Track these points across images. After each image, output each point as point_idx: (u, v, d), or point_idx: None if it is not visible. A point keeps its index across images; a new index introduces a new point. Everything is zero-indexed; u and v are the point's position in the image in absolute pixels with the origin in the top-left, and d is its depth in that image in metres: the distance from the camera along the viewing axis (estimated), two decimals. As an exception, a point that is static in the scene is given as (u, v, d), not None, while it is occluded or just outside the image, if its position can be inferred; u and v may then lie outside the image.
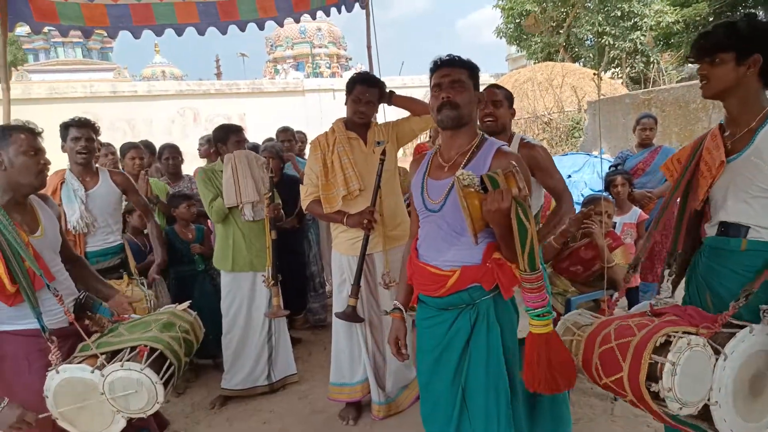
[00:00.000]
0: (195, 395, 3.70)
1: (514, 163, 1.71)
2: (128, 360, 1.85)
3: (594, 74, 13.75)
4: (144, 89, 15.75)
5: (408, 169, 3.00)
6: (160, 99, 15.38)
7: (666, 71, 16.19)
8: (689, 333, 1.58)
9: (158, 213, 3.98)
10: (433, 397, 1.96)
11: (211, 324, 3.25)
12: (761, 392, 1.60)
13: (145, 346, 1.90)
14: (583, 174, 9.06)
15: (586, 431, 2.87)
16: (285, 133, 4.80)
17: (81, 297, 2.12)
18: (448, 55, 1.89)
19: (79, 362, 1.87)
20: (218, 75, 33.93)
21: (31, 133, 1.97)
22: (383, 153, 3.00)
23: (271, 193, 3.43)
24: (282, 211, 3.59)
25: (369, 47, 5.49)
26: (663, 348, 1.56)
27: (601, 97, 12.55)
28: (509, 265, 1.78)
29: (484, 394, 1.85)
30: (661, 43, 17.40)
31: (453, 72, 1.84)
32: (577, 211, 3.36)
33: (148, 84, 16.95)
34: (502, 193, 1.60)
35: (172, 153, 4.35)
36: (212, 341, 3.84)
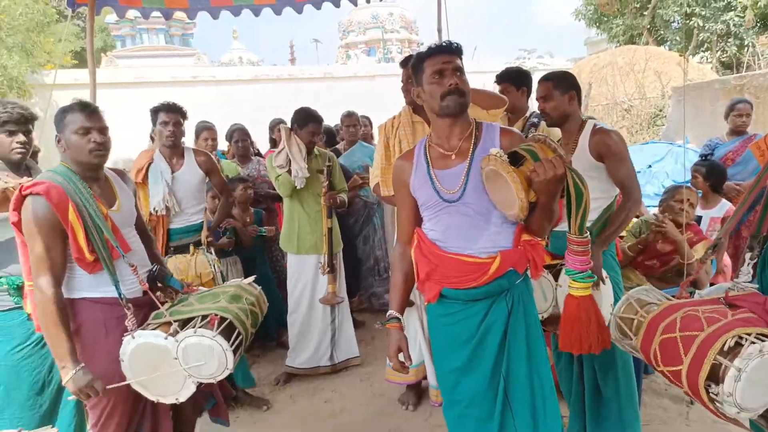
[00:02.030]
0: (261, 371, 3.82)
1: (542, 134, 1.67)
2: (200, 327, 1.93)
3: (680, 55, 12.93)
4: (221, 74, 16.30)
5: None
6: (236, 84, 15.85)
7: (762, 55, 14.97)
8: (764, 336, 1.46)
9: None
10: (466, 396, 1.85)
11: (270, 307, 3.35)
12: None
13: (216, 315, 1.98)
14: (665, 164, 8.58)
15: (657, 433, 2.73)
16: (349, 117, 4.81)
17: (154, 269, 2.21)
18: (446, 42, 1.83)
19: (153, 329, 1.97)
20: (292, 61, 34.57)
21: (82, 112, 1.99)
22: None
23: (328, 182, 3.49)
24: (339, 198, 3.62)
25: (439, 30, 5.40)
26: (732, 348, 1.46)
27: (688, 82, 11.79)
28: (541, 245, 1.78)
29: (527, 383, 1.79)
30: (758, 24, 16.08)
31: (453, 59, 1.79)
32: (657, 202, 3.18)
33: (225, 69, 17.55)
34: (552, 160, 1.55)
35: (242, 136, 4.47)
36: (272, 323, 3.97)
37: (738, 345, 1.45)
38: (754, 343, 1.41)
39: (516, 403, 1.79)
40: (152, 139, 4.66)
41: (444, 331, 1.89)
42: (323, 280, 3.64)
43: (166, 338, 1.92)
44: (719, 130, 4.61)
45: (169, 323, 1.98)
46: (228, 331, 1.97)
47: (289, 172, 3.48)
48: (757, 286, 1.71)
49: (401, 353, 1.89)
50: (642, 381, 2.92)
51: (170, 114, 3.00)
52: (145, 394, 1.98)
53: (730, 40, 16.13)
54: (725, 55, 16.36)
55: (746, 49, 15.41)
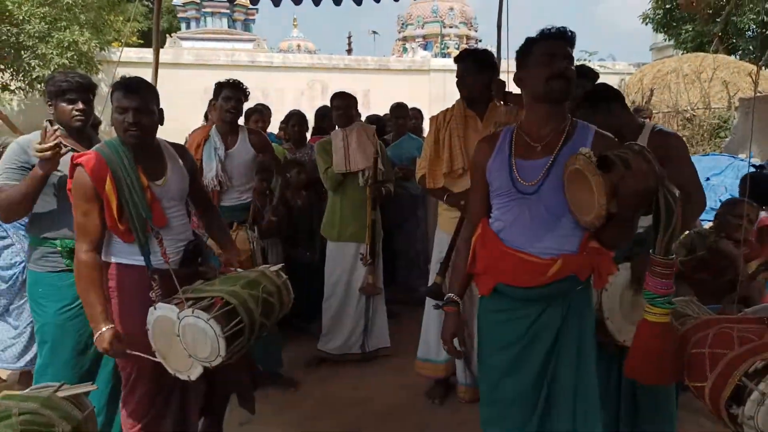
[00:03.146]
0: (293, 352, 3.86)
1: (640, 144, 1.58)
2: (203, 309, 1.90)
3: (756, 64, 12.29)
4: (279, 61, 16.57)
5: None
6: (292, 71, 16.10)
7: None
8: None
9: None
10: (507, 397, 1.81)
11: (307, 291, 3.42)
12: None
13: (222, 298, 1.95)
14: (724, 178, 8.20)
15: (692, 453, 2.63)
16: (399, 109, 4.81)
17: (190, 244, 2.22)
18: (560, 27, 1.75)
19: (175, 304, 1.98)
20: (349, 51, 34.78)
21: (121, 90, 2.01)
22: (494, 135, 2.91)
23: (374, 172, 3.51)
24: (384, 189, 3.63)
25: (499, 27, 5.32)
26: (759, 371, 1.41)
27: (758, 93, 11.20)
28: (609, 254, 1.69)
29: (572, 395, 1.74)
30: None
31: (565, 45, 1.72)
32: (712, 216, 3.05)
33: (283, 56, 17.81)
34: (644, 171, 1.47)
35: (299, 121, 4.54)
36: (306, 307, 4.01)
37: (767, 369, 1.40)
38: None
39: (557, 412, 1.75)
40: (206, 118, 4.79)
41: (493, 328, 1.85)
42: (360, 269, 3.66)
43: (178, 315, 1.91)
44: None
45: (187, 299, 1.97)
46: (229, 317, 1.92)
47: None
48: None
49: (455, 338, 1.89)
50: (679, 396, 2.81)
51: (234, 90, 3.09)
52: (165, 366, 2.01)
53: (809, 52, 15.21)
54: (803, 68, 15.45)
55: (826, 62, 14.51)
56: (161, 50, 4.75)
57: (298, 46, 29.30)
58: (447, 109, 3.13)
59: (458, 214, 2.96)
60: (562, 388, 1.75)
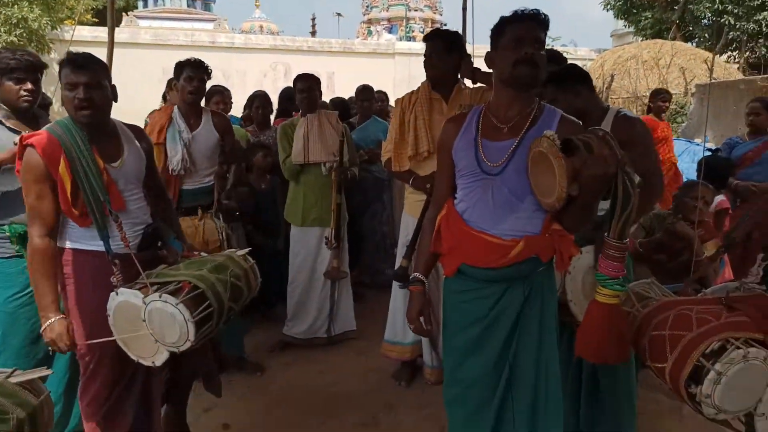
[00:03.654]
0: (258, 337, 3.83)
1: (603, 129, 1.59)
2: (170, 293, 1.86)
3: (710, 52, 12.65)
4: (240, 42, 16.20)
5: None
6: (254, 52, 15.76)
7: (793, 58, 14.63)
8: (753, 341, 1.45)
9: (237, 160, 4.09)
10: (468, 376, 1.83)
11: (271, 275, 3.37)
12: None
13: (189, 282, 1.92)
14: (681, 162, 8.43)
15: (651, 428, 2.72)
16: (364, 92, 4.76)
17: (149, 228, 2.16)
18: (534, 10, 1.72)
19: (138, 289, 1.93)
20: (313, 33, 34.33)
21: (69, 66, 1.92)
22: (461, 118, 2.90)
23: (339, 157, 3.45)
24: (350, 173, 3.61)
25: (464, 9, 5.29)
26: (716, 352, 1.46)
27: (713, 80, 11.54)
28: (570, 236, 1.71)
29: (534, 374, 1.76)
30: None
31: (536, 29, 1.70)
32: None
33: (245, 37, 17.43)
34: (605, 157, 1.49)
35: (263, 102, 4.44)
36: (275, 292, 3.97)
37: (723, 348, 1.44)
38: (739, 348, 1.41)
39: (518, 391, 1.77)
40: (164, 99, 4.64)
41: (457, 308, 1.86)
42: (325, 253, 3.64)
43: (143, 300, 1.87)
44: (741, 130, 4.51)
45: (152, 284, 1.93)
46: (198, 302, 1.89)
47: None
48: (765, 287, 1.66)
49: (422, 316, 1.90)
50: (638, 373, 2.90)
51: (195, 70, 2.97)
52: (127, 352, 1.96)
53: (760, 40, 15.75)
54: (754, 56, 16.00)
55: (776, 51, 15.06)
56: (117, 29, 4.56)
57: (261, 27, 28.74)
58: (412, 92, 3.11)
59: (424, 197, 2.95)
60: (523, 368, 1.77)
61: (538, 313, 1.76)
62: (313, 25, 36.55)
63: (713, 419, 1.47)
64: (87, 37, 12.55)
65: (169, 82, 4.33)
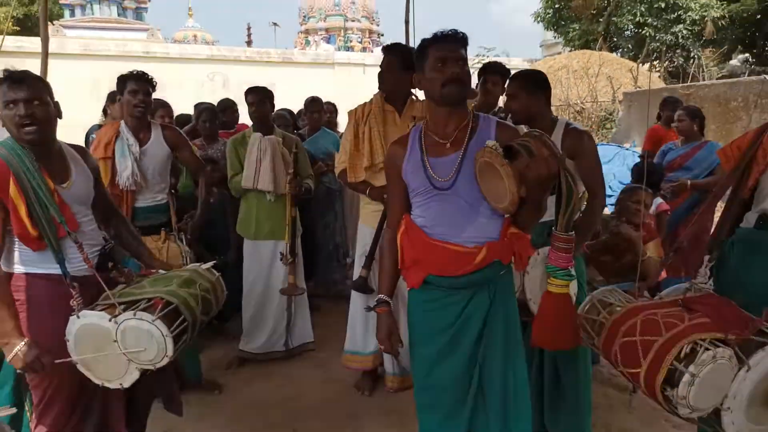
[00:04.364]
0: (212, 355, 3.75)
1: (539, 130, 1.71)
2: (142, 310, 1.84)
3: (635, 61, 13.39)
4: (176, 52, 15.78)
5: None
6: (191, 62, 15.38)
7: (706, 68, 15.71)
8: (717, 341, 1.54)
9: (186, 173, 3.99)
10: (440, 382, 1.88)
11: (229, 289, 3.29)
12: None
13: (161, 298, 1.89)
14: (612, 166, 8.90)
15: (603, 421, 2.85)
16: (314, 103, 4.76)
17: (106, 248, 2.11)
18: (452, 30, 1.82)
19: (101, 309, 1.88)
20: (249, 43, 33.85)
21: (8, 83, 1.85)
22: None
23: (293, 170, 3.43)
24: (305, 186, 3.59)
25: (407, 22, 5.40)
26: (687, 354, 1.53)
27: (637, 88, 12.25)
28: (527, 238, 1.81)
29: (502, 372, 1.84)
30: (703, 38, 16.86)
31: (457, 48, 1.79)
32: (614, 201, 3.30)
33: (180, 47, 16.99)
34: (546, 158, 1.58)
35: (210, 116, 4.34)
36: (228, 306, 3.89)
37: (693, 351, 1.52)
38: (708, 349, 1.49)
39: (489, 391, 1.83)
40: (105, 113, 4.48)
41: (424, 317, 1.90)
42: (279, 266, 3.60)
43: (110, 320, 1.83)
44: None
45: (116, 305, 1.88)
46: (172, 317, 1.88)
47: None
48: (713, 287, 1.78)
49: (391, 336, 1.92)
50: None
51: (140, 83, 2.88)
52: (90, 377, 1.90)
53: (677, 51, 16.84)
54: (672, 65, 17.07)
55: (692, 60, 16.13)
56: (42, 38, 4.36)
57: (195, 36, 28.14)
58: (365, 104, 3.15)
59: (381, 207, 2.99)
60: (492, 369, 1.84)
61: (503, 315, 1.84)
62: (249, 35, 36.06)
63: (687, 418, 1.55)
64: (9, 47, 11.88)
65: (110, 95, 4.19)
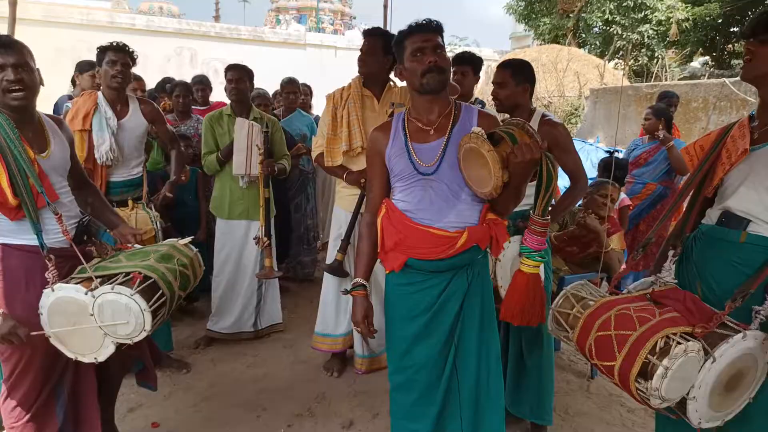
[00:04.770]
0: (180, 334, 3.73)
1: (521, 119, 1.77)
2: (120, 284, 1.84)
3: (602, 58, 13.67)
4: (142, 23, 15.26)
5: None
6: (157, 35, 14.90)
7: (669, 67, 16.16)
8: (686, 335, 1.61)
9: (156, 150, 3.93)
10: (416, 362, 1.94)
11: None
12: (735, 388, 1.66)
13: (139, 273, 1.89)
14: (577, 161, 9.12)
15: (562, 404, 2.97)
16: (291, 84, 4.72)
17: (84, 220, 2.10)
18: (426, 20, 1.87)
19: (77, 283, 1.87)
20: (216, 18, 33.03)
21: None
22: (391, 114, 2.99)
23: (263, 150, 3.40)
24: (278, 166, 3.57)
25: (386, 6, 5.40)
26: (664, 348, 1.59)
27: (603, 85, 12.53)
28: (504, 224, 1.87)
29: (476, 352, 1.91)
30: (667, 39, 17.33)
31: (434, 37, 1.84)
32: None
33: (147, 18, 16.45)
34: (530, 144, 1.64)
35: (183, 91, 4.28)
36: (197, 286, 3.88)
37: (666, 344, 1.58)
38: (680, 343, 1.56)
39: (463, 370, 1.90)
40: (73, 83, 4.35)
41: (404, 299, 1.95)
42: (251, 246, 3.59)
43: (86, 293, 1.82)
44: (628, 132, 5.00)
45: (92, 279, 1.88)
46: (150, 291, 1.88)
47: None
48: (676, 281, 1.87)
49: (367, 319, 1.96)
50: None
51: (119, 53, 2.83)
52: (63, 351, 1.89)
53: (642, 50, 17.27)
54: (637, 64, 17.50)
55: (656, 60, 16.57)
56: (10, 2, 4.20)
57: (161, 8, 27.36)
58: (343, 88, 3.15)
59: (357, 191, 3.02)
60: (468, 349, 1.91)
61: (479, 297, 1.91)
62: (217, 10, 35.11)
63: (657, 408, 1.61)
64: (-36, 9, 11.33)
65: (79, 65, 4.07)
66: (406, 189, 1.89)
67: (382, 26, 5.27)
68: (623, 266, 3.34)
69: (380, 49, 2.95)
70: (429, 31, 1.84)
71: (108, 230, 2.28)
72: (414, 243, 1.86)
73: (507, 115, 2.61)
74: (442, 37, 1.87)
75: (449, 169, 1.83)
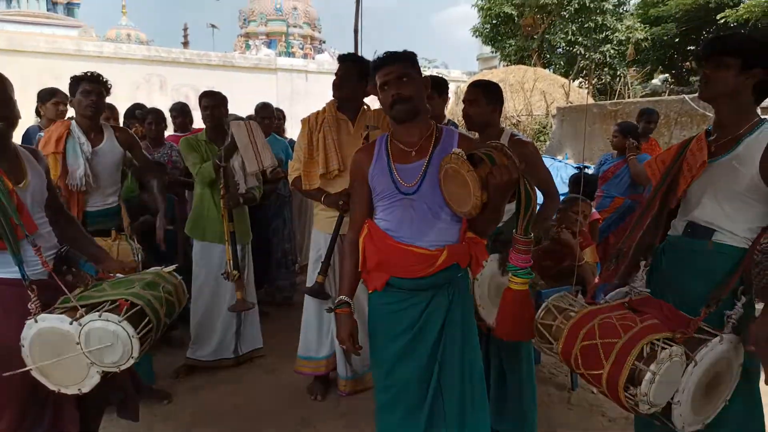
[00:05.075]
0: (159, 363, 3.66)
1: (499, 142, 1.85)
2: (106, 312, 1.83)
3: (567, 78, 14.06)
4: (110, 50, 15.17)
5: None
6: (126, 62, 14.83)
7: (631, 85, 16.72)
8: (669, 340, 1.67)
9: (130, 178, 3.91)
10: (400, 381, 1.96)
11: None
12: (713, 392, 1.73)
13: (126, 300, 1.89)
14: (546, 177, 9.32)
15: (544, 417, 3.00)
16: (265, 109, 4.75)
17: (62, 251, 2.09)
18: (386, 53, 1.95)
19: (60, 313, 1.85)
20: (185, 44, 33.00)
21: None
22: (366, 137, 3.05)
23: (223, 181, 3.35)
24: (243, 198, 3.54)
25: (356, 31, 5.51)
26: (651, 354, 1.64)
27: (569, 104, 12.89)
28: (483, 242, 1.93)
29: (459, 370, 1.94)
30: (627, 59, 17.97)
31: (396, 68, 1.91)
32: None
33: (115, 46, 16.35)
34: (508, 165, 1.70)
35: (156, 118, 4.27)
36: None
37: (652, 350, 1.64)
38: (665, 348, 1.62)
39: (447, 389, 1.93)
40: (38, 114, 4.30)
41: (387, 318, 1.98)
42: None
43: (70, 323, 1.81)
44: (594, 148, 5.18)
45: (76, 308, 1.86)
46: (137, 318, 1.88)
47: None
48: (649, 290, 1.94)
49: (352, 336, 1.98)
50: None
51: (93, 84, 2.84)
52: (45, 383, 1.86)
53: (605, 69, 17.85)
54: (600, 83, 18.07)
55: (618, 78, 17.13)
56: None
57: (128, 35, 27.19)
58: (318, 112, 3.19)
59: (335, 213, 3.04)
60: (451, 367, 1.94)
61: (460, 315, 1.95)
62: (185, 36, 35.14)
63: (645, 414, 1.65)
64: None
65: (41, 94, 4.03)
66: (387, 208, 1.95)
67: (352, 51, 5.35)
68: (597, 278, 3.43)
69: (355, 75, 3.02)
70: (392, 62, 1.91)
71: (91, 262, 2.26)
72: (395, 262, 1.91)
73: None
74: (410, 63, 1.94)
75: (430, 189, 1.89)
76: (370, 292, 2.04)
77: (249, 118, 5.31)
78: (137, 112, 4.65)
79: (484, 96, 2.57)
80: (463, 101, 2.62)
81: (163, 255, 3.82)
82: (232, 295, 3.58)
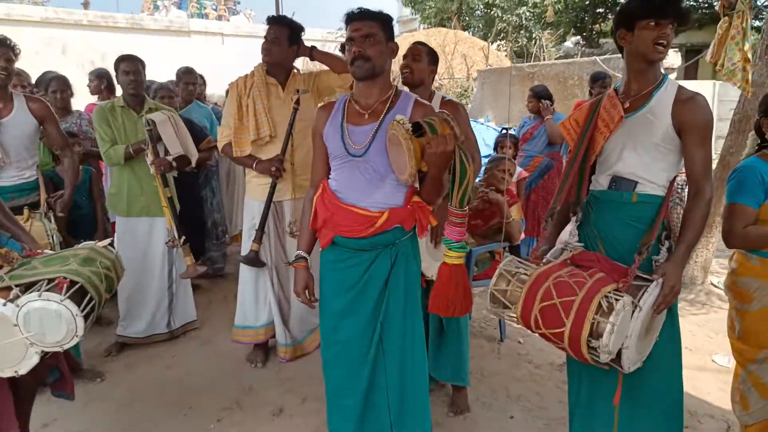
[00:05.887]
0: (87, 343, 3.53)
1: (446, 111, 1.86)
2: (46, 291, 1.77)
3: (486, 41, 14.31)
4: (3, 12, 13.83)
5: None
6: (21, 25, 13.52)
7: (546, 47, 17.25)
8: (617, 292, 1.77)
9: (43, 150, 3.66)
10: (343, 338, 2.03)
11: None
12: (648, 332, 1.89)
13: (65, 278, 1.83)
14: (470, 139, 9.56)
15: (477, 367, 3.19)
16: (188, 75, 4.55)
17: None
18: (359, 8, 1.95)
19: None
20: (85, 5, 30.54)
21: None
22: (297, 102, 3.02)
23: (151, 146, 3.23)
24: (174, 163, 3.39)
25: (277, -8, 5.33)
26: (608, 308, 1.73)
27: (488, 67, 13.17)
28: (428, 207, 1.98)
29: (401, 329, 2.02)
30: (542, 21, 18.47)
31: (364, 26, 1.92)
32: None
33: (7, 6, 14.90)
34: (446, 136, 1.74)
35: (61, 86, 3.99)
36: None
37: (607, 303, 1.72)
38: (617, 300, 1.72)
39: (388, 346, 2.01)
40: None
41: (332, 276, 2.04)
42: (155, 245, 3.48)
43: (4, 304, 1.74)
44: (514, 110, 5.37)
45: (9, 288, 1.79)
46: (79, 296, 1.84)
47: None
48: (582, 244, 2.06)
49: (308, 290, 2.06)
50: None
51: (1, 48, 2.62)
52: None
53: (522, 32, 18.28)
54: (517, 45, 18.51)
55: (534, 41, 17.62)
56: None
57: (20, -5, 24.76)
58: (246, 76, 3.12)
59: (268, 180, 3.02)
60: (392, 325, 2.02)
61: (404, 277, 2.01)
62: (86, -4, 32.49)
63: (604, 363, 1.75)
64: None
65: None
66: (338, 168, 1.99)
67: (272, 12, 5.20)
68: (522, 234, 3.62)
69: (286, 39, 2.96)
70: (361, 20, 1.92)
71: (11, 237, 2.14)
72: (338, 221, 1.96)
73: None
74: (381, 25, 1.93)
75: (377, 153, 1.92)
76: (321, 249, 2.08)
77: (169, 83, 5.09)
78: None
79: (427, 55, 2.66)
80: (404, 57, 2.65)
81: (80, 231, 3.65)
82: (162, 269, 3.50)
